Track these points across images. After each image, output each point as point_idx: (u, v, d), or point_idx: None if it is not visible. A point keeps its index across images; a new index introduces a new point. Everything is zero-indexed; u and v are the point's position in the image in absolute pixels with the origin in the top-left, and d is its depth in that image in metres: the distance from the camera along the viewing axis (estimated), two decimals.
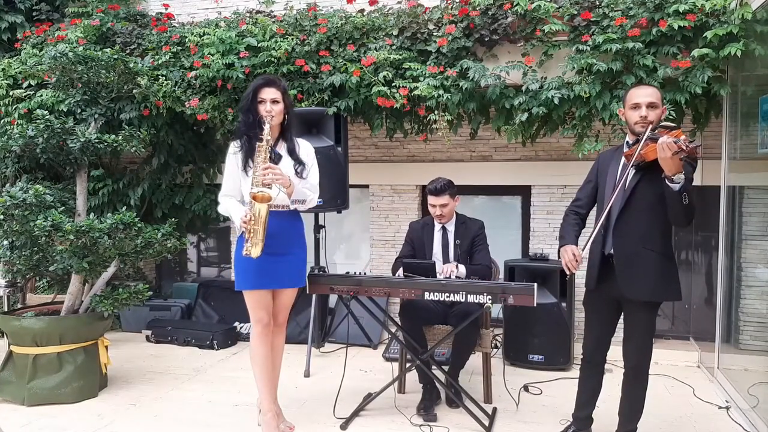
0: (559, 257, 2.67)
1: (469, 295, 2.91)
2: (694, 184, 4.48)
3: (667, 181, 2.40)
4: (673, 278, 2.64)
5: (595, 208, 2.79)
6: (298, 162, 2.96)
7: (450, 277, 3.22)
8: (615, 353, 2.90)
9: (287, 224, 2.94)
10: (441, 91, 3.85)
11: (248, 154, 2.87)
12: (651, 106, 2.55)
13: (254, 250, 2.73)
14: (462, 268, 3.35)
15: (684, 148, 2.31)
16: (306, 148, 3.04)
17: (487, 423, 3.12)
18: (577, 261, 2.54)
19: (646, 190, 2.56)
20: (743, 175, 3.88)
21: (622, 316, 2.76)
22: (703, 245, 4.56)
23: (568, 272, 2.56)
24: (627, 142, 2.67)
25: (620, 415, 2.80)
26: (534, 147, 4.52)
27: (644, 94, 2.58)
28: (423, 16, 4.14)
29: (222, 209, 2.95)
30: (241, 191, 2.91)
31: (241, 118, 2.97)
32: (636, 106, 2.57)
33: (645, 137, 2.47)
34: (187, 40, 4.39)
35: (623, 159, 2.65)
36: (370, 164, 5.10)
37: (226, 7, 5.07)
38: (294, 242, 2.98)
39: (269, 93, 2.86)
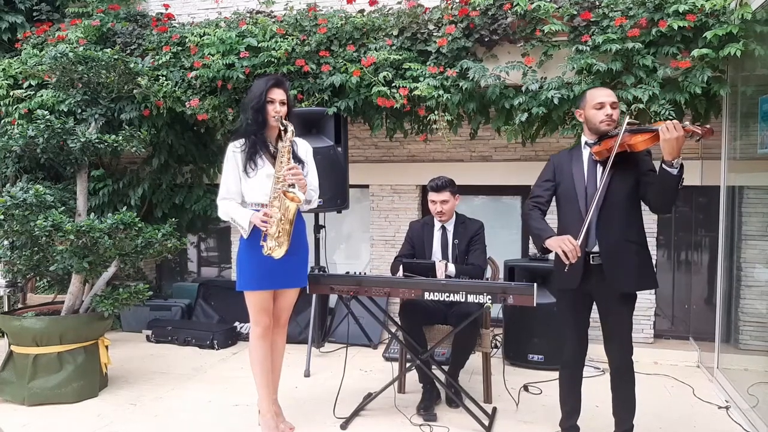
0: (542, 253, 2.66)
1: (469, 295, 2.91)
2: (693, 184, 4.52)
3: (665, 166, 2.43)
4: (651, 267, 2.70)
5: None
6: (299, 161, 2.95)
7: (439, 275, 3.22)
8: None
9: None
10: (441, 91, 3.85)
11: (251, 155, 2.84)
12: (614, 105, 2.63)
13: (279, 250, 2.75)
14: (451, 267, 3.35)
15: (698, 131, 2.36)
16: (305, 147, 3.03)
17: (487, 423, 3.12)
18: (577, 251, 2.47)
19: (620, 184, 2.59)
20: (743, 175, 3.88)
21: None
22: (703, 245, 4.57)
23: (568, 262, 2.48)
24: (587, 142, 2.70)
25: (615, 416, 2.79)
26: (534, 147, 4.53)
27: (607, 94, 2.66)
28: (423, 16, 4.14)
29: (223, 214, 2.90)
30: (242, 193, 2.89)
31: (249, 117, 2.87)
32: (601, 106, 2.62)
33: (623, 131, 2.51)
34: (187, 40, 4.39)
35: (588, 157, 2.67)
36: (370, 164, 5.10)
37: (226, 7, 5.07)
38: (297, 243, 2.94)
39: (279, 94, 2.86)
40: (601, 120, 2.61)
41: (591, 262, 2.60)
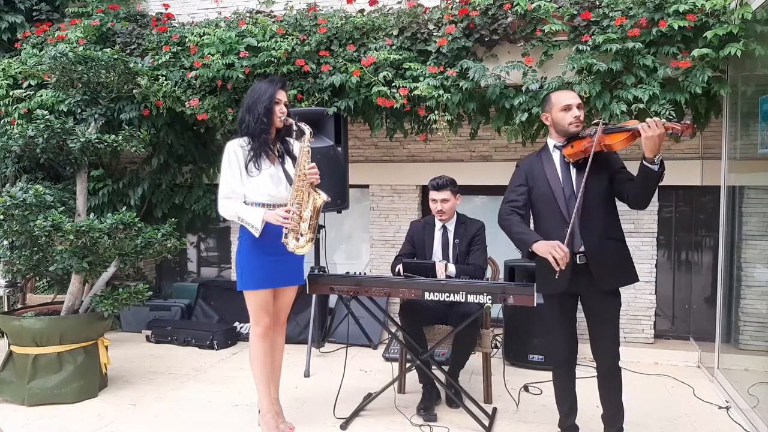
0: (528, 258, 2.63)
1: (469, 295, 2.91)
2: (693, 184, 4.51)
3: (646, 163, 2.46)
4: (631, 261, 2.73)
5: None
6: (294, 159, 2.98)
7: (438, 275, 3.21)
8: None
9: None
10: (441, 91, 3.85)
11: (257, 155, 2.86)
12: (579, 106, 2.66)
13: (307, 246, 2.83)
14: (451, 267, 3.35)
15: (678, 127, 2.40)
16: (298, 147, 3.05)
17: (487, 423, 3.12)
18: (567, 257, 2.45)
19: (596, 184, 2.61)
20: (743, 175, 3.88)
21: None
22: (703, 245, 4.57)
23: (558, 269, 2.44)
24: (555, 144, 2.71)
25: (605, 419, 2.78)
26: (534, 147, 4.51)
27: (572, 96, 2.70)
28: (423, 16, 4.14)
29: (228, 213, 2.89)
30: (243, 193, 2.88)
31: (257, 117, 2.86)
32: (568, 108, 2.64)
33: (598, 131, 2.53)
34: (187, 40, 4.39)
35: (560, 159, 2.68)
36: (370, 164, 5.10)
37: (226, 7, 5.07)
38: None
39: (284, 95, 2.93)
40: (570, 122, 2.63)
41: (578, 262, 2.60)
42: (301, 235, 2.83)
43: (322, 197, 2.88)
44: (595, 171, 2.57)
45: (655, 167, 2.44)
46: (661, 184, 2.53)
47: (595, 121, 2.61)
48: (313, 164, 2.88)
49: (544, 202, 2.69)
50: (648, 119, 2.42)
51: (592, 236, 2.61)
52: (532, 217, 2.78)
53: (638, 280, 2.76)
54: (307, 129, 2.88)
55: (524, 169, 2.78)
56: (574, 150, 2.61)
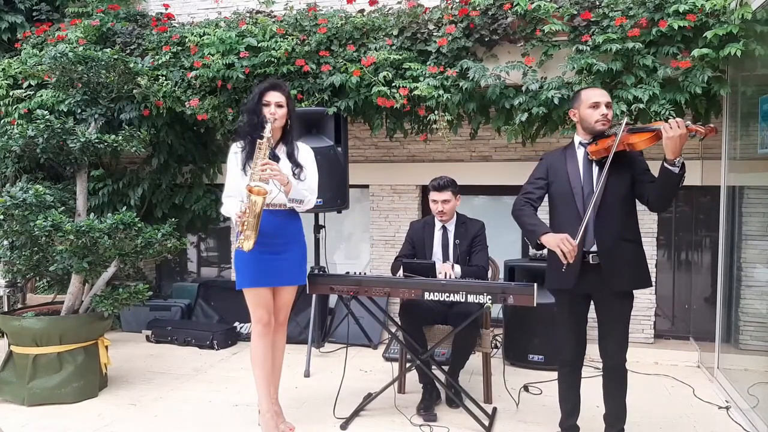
0: (536, 249, 2.63)
1: (469, 295, 2.91)
2: (693, 184, 4.52)
3: (667, 165, 2.44)
4: (646, 265, 2.71)
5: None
6: (296, 164, 2.99)
7: (446, 277, 3.22)
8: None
9: (284, 223, 2.98)
10: (441, 91, 3.85)
11: (249, 155, 2.91)
12: (608, 105, 2.64)
13: (246, 243, 2.76)
14: (457, 269, 3.35)
15: (701, 130, 2.40)
16: (305, 151, 3.08)
17: (487, 423, 3.12)
18: (575, 251, 2.46)
19: (617, 184, 2.59)
20: (743, 175, 3.88)
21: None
22: (703, 245, 4.56)
23: (566, 262, 2.46)
24: (581, 141, 2.70)
25: (607, 418, 2.78)
26: (534, 147, 4.52)
27: (601, 94, 2.67)
28: (423, 16, 4.14)
29: (224, 209, 2.98)
30: (241, 191, 2.91)
31: (245, 119, 3.00)
32: (596, 105, 2.63)
33: (621, 131, 2.52)
34: (187, 40, 4.39)
35: (583, 156, 2.67)
36: (370, 164, 5.10)
37: (226, 7, 5.07)
38: (292, 240, 3.01)
39: (274, 97, 2.91)
40: (596, 120, 2.61)
41: (590, 261, 2.60)
42: (243, 232, 2.78)
43: (263, 191, 2.70)
44: (618, 171, 2.56)
45: (676, 169, 2.43)
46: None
47: (620, 120, 2.60)
48: (268, 161, 2.77)
49: (562, 198, 2.69)
50: (671, 120, 2.41)
51: (605, 236, 2.59)
52: (549, 212, 2.77)
53: (651, 285, 2.74)
54: (268, 124, 2.83)
55: (547, 163, 2.79)
56: (598, 147, 2.60)
